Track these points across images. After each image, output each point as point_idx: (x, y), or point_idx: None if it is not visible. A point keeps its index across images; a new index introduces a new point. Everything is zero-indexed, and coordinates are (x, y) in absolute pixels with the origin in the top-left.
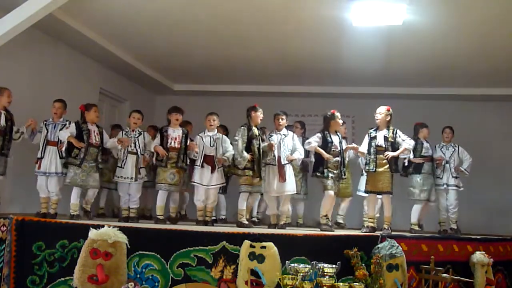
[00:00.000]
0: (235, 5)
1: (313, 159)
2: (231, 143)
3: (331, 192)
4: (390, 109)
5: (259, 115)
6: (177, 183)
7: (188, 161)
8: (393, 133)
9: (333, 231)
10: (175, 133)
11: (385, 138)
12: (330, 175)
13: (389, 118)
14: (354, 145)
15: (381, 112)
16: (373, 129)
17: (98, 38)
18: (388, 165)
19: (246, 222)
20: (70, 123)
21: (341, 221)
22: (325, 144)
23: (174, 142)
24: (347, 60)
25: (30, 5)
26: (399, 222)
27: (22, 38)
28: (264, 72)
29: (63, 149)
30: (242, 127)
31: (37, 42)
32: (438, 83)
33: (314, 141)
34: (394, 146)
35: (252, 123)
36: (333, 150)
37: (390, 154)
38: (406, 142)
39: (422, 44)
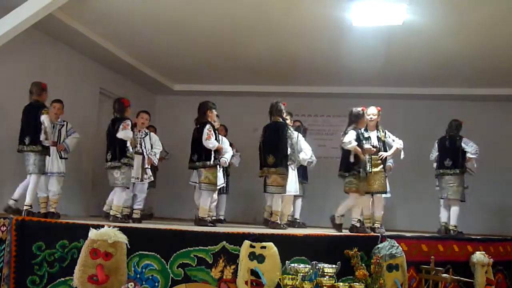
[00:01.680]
0: (236, 5)
1: (352, 159)
2: (230, 144)
3: (358, 195)
4: (380, 110)
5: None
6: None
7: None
8: (383, 133)
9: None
10: None
11: (378, 139)
12: (362, 175)
13: (379, 118)
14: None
15: (374, 113)
16: (362, 129)
17: (98, 38)
18: (382, 166)
19: (282, 224)
20: (67, 123)
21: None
22: (359, 142)
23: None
24: (347, 60)
25: (30, 5)
26: (399, 222)
27: (22, 38)
28: (264, 72)
29: (62, 149)
30: (291, 129)
31: (37, 42)
32: (438, 83)
33: (354, 140)
34: (385, 146)
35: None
36: (373, 147)
37: (385, 154)
38: (397, 142)
39: (422, 44)
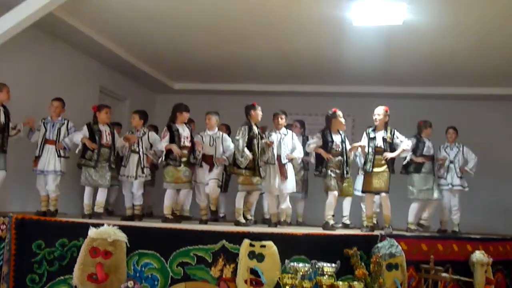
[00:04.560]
0: (236, 4)
1: (312, 159)
2: (232, 142)
3: (335, 193)
4: (388, 110)
5: (259, 113)
6: (190, 180)
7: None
8: (391, 133)
9: (334, 230)
10: (185, 132)
11: (384, 139)
12: (332, 174)
13: (387, 118)
14: (361, 143)
15: (380, 113)
16: (371, 129)
17: (98, 37)
18: (386, 166)
19: (243, 221)
20: (68, 121)
21: (348, 222)
22: (326, 143)
23: (186, 141)
24: (347, 59)
25: (30, 3)
26: (399, 221)
27: (22, 36)
28: (265, 71)
29: (62, 148)
30: (243, 126)
31: (37, 41)
32: (438, 83)
33: (313, 142)
34: (392, 146)
35: (252, 122)
36: (335, 150)
37: (389, 155)
38: (405, 143)
39: (422, 44)
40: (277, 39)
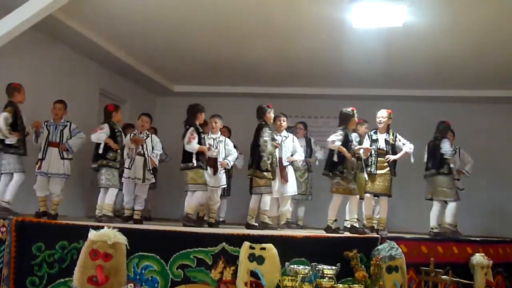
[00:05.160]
0: (236, 7)
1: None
2: (234, 146)
3: (341, 196)
4: (391, 113)
5: (272, 115)
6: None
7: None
8: (393, 136)
9: (366, 233)
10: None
11: (386, 142)
12: (349, 176)
13: (390, 121)
14: (366, 146)
15: (384, 115)
16: (373, 131)
17: (98, 39)
18: (388, 168)
19: (271, 223)
20: (71, 123)
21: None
22: (346, 142)
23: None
24: (347, 61)
25: (30, 6)
26: (399, 223)
27: (23, 39)
28: (265, 73)
29: (65, 150)
30: (266, 128)
31: (38, 43)
32: (439, 85)
33: (338, 139)
34: (394, 149)
35: (268, 123)
36: (352, 149)
37: (392, 157)
38: (407, 146)
39: (422, 46)
40: (277, 42)
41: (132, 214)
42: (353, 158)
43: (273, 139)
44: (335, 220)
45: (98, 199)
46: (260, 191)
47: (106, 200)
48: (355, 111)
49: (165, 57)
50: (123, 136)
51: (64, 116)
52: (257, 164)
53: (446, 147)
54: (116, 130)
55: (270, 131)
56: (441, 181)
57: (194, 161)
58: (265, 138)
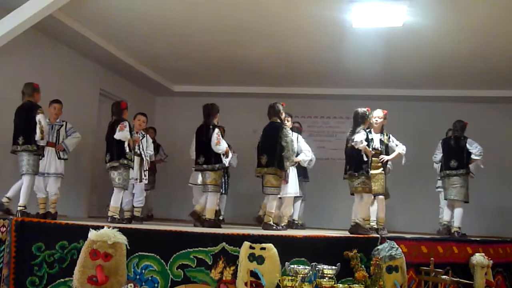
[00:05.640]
0: (235, 7)
1: (364, 157)
2: (228, 145)
3: (371, 194)
4: (387, 113)
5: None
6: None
7: None
8: (387, 136)
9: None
10: None
11: (381, 142)
12: (370, 176)
13: (385, 122)
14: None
15: (380, 116)
16: (367, 130)
17: (98, 39)
18: (382, 168)
19: (274, 225)
20: (66, 123)
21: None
22: (368, 142)
23: None
24: (347, 61)
25: (30, 6)
26: (401, 223)
27: (22, 39)
28: (264, 73)
29: (61, 150)
30: (287, 127)
31: (37, 43)
32: (438, 85)
33: (364, 139)
34: (387, 149)
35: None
36: (373, 150)
37: (386, 157)
38: (400, 147)
39: (422, 46)
40: (277, 41)
41: (132, 216)
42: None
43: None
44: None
45: (112, 199)
46: (271, 192)
47: (115, 203)
48: (370, 112)
49: (165, 57)
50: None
51: (59, 116)
52: (279, 163)
53: (477, 147)
54: (132, 129)
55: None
56: (464, 180)
57: (225, 161)
58: (291, 137)
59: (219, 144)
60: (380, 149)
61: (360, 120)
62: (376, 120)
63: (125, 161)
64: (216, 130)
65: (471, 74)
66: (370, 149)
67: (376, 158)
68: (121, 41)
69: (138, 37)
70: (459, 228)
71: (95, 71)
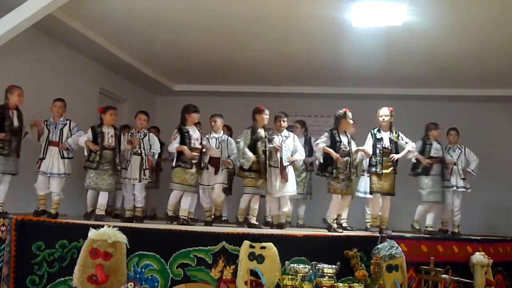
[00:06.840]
0: (236, 5)
1: (321, 159)
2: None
3: (339, 196)
4: (393, 110)
5: (265, 117)
6: (197, 184)
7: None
8: (396, 134)
9: (341, 232)
10: (196, 134)
11: (391, 140)
12: (340, 176)
13: (392, 119)
14: (365, 148)
15: (387, 113)
16: (376, 129)
17: (98, 38)
18: (392, 167)
19: (242, 221)
20: (70, 121)
21: (345, 224)
22: (334, 143)
23: (196, 143)
24: (347, 60)
25: (30, 5)
26: (402, 223)
27: (22, 38)
28: (265, 72)
29: (65, 149)
30: (246, 130)
31: (37, 42)
32: (439, 84)
33: (322, 141)
34: (397, 147)
35: (257, 126)
36: (342, 150)
37: (396, 156)
38: (409, 145)
39: (422, 45)
40: (277, 41)
41: (133, 215)
42: (344, 158)
43: (270, 140)
44: (336, 219)
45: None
46: (244, 191)
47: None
48: (347, 112)
49: (165, 56)
50: (110, 137)
51: (64, 114)
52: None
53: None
54: (98, 132)
55: (250, 133)
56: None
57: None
58: (238, 139)
59: (171, 144)
60: (390, 147)
61: (335, 121)
62: (383, 119)
63: (87, 164)
64: (175, 130)
65: (472, 73)
66: (340, 151)
67: (387, 158)
68: (121, 40)
69: (139, 36)
70: (427, 226)
71: (95, 70)
